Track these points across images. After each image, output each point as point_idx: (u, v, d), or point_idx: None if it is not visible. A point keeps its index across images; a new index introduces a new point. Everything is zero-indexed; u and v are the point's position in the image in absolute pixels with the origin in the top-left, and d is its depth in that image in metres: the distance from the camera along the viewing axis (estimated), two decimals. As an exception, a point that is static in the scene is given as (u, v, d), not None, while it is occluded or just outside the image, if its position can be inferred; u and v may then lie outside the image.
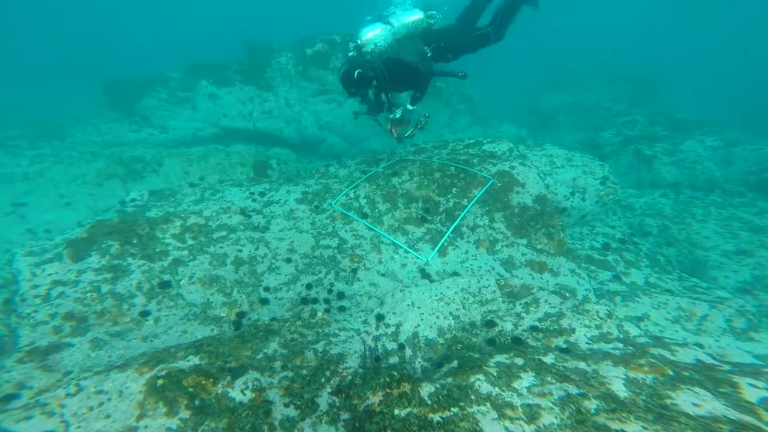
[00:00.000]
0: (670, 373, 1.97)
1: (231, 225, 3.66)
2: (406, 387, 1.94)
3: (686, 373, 1.99)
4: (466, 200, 4.17)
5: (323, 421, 1.88)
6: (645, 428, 1.59)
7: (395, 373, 2.04)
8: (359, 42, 4.22)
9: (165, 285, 2.92)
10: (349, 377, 2.10)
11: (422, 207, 4.20)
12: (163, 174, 6.39)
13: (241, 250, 3.37)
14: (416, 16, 4.40)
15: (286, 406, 1.87)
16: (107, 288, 2.83)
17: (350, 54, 4.27)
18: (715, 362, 2.23)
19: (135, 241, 3.20)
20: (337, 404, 1.94)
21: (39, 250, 3.69)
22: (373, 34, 4.21)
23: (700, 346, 2.85)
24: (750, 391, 1.88)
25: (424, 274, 3.61)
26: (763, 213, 6.12)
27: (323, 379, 2.07)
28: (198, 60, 9.40)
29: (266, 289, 3.09)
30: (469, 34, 4.71)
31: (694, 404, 1.75)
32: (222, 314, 2.82)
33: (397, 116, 4.29)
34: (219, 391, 1.83)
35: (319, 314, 2.57)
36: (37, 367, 2.25)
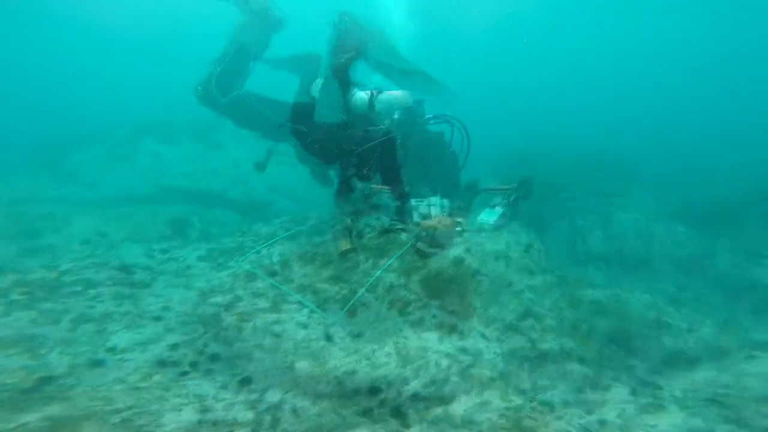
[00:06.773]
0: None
1: (94, 280, 3.14)
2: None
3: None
4: (386, 259, 3.97)
5: None
6: None
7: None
8: None
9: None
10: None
11: (341, 266, 3.93)
12: (66, 234, 5.27)
13: (93, 307, 2.83)
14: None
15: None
16: None
17: None
18: None
19: None
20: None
21: None
22: None
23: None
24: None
25: (328, 337, 3.21)
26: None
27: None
28: (147, 117, 9.27)
29: (110, 349, 2.54)
30: None
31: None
32: (8, 380, 2.16)
33: None
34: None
35: (156, 377, 2.09)
36: None
